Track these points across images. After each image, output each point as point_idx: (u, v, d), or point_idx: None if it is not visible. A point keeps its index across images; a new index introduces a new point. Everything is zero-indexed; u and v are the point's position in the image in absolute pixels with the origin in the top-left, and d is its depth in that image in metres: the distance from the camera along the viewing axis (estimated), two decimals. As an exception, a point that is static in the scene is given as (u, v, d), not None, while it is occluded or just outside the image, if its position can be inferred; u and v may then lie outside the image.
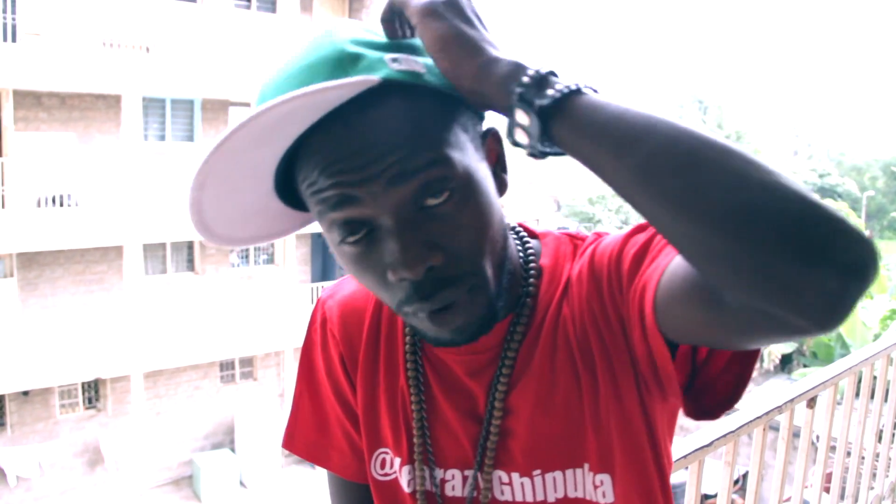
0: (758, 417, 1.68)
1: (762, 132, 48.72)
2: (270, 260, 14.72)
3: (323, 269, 15.83)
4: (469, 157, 0.72)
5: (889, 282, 14.56)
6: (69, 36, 11.21)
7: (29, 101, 11.69)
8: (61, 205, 11.28)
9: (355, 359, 0.94)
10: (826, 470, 2.23)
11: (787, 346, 14.46)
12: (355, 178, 0.69)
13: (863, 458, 2.40)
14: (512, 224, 0.89)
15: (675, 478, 1.06)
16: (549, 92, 0.64)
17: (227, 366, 14.15)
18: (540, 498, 0.84)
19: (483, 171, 0.74)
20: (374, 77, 0.68)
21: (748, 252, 0.55)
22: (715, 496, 1.82)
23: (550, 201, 35.48)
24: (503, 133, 0.78)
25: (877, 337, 12.56)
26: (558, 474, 0.83)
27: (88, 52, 11.22)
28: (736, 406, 0.84)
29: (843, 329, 13.11)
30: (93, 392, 12.87)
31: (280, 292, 13.65)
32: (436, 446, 0.89)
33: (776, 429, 1.94)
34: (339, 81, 0.66)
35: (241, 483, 13.19)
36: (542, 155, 0.67)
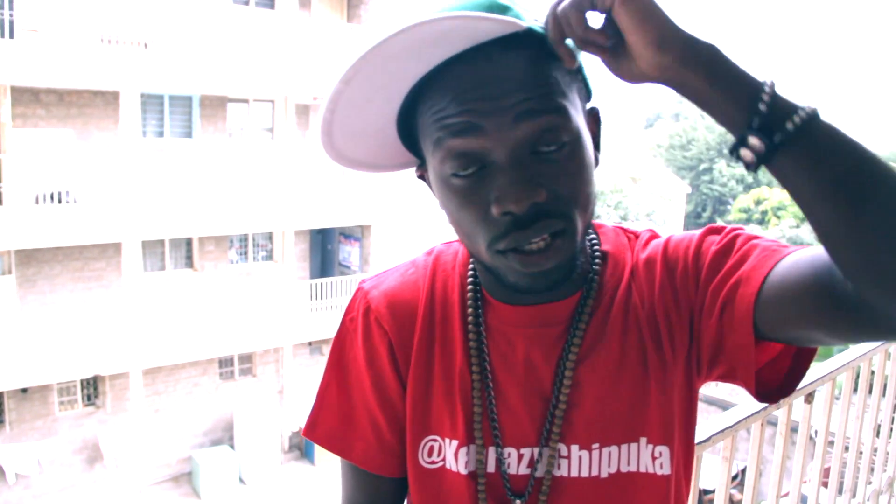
0: (756, 413, 1.68)
1: (761, 128, 48.61)
2: (269, 256, 14.71)
3: (322, 265, 15.83)
4: (581, 118, 0.80)
5: (888, 277, 14.57)
6: (67, 32, 11.18)
7: (27, 98, 11.67)
8: (59, 201, 11.26)
9: (408, 348, 0.95)
10: (824, 465, 2.23)
11: (785, 342, 14.48)
12: (486, 107, 0.75)
13: (861, 452, 2.41)
14: None
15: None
16: (789, 126, 0.68)
17: (226, 362, 14.15)
18: (595, 473, 0.88)
19: (587, 137, 0.81)
20: (523, 23, 0.75)
21: None
22: (713, 492, 1.82)
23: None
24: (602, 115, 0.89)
25: (875, 332, 12.57)
26: (614, 449, 0.88)
27: (86, 48, 11.19)
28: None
29: (842, 324, 13.15)
30: (92, 389, 12.87)
31: (279, 289, 13.65)
32: (499, 424, 0.91)
33: (774, 424, 1.94)
34: (496, 16, 0.72)
35: (241, 479, 13.20)
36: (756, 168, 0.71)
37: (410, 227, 15.54)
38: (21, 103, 11.59)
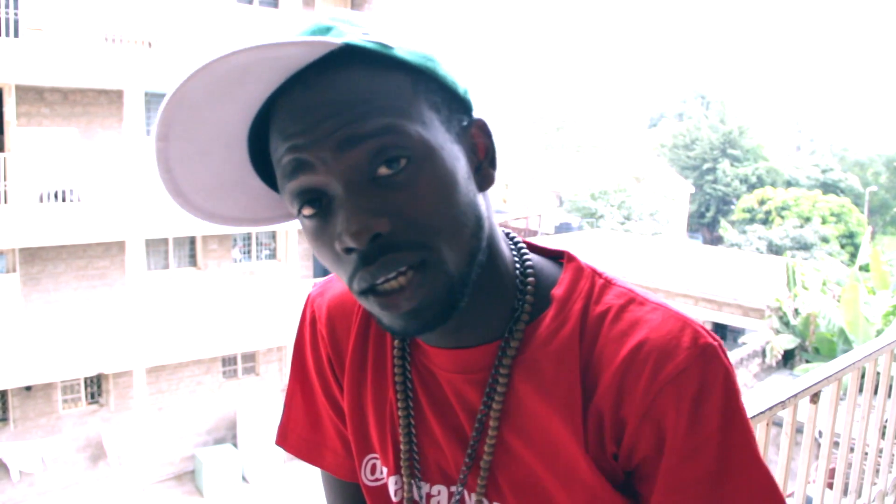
0: (761, 412, 1.67)
1: (765, 127, 48.64)
2: (272, 255, 14.72)
3: (325, 264, 15.83)
4: (434, 133, 0.70)
5: (892, 278, 14.53)
6: (71, 31, 11.20)
7: (31, 97, 11.69)
8: (63, 200, 11.28)
9: (342, 361, 0.91)
10: (829, 465, 2.23)
11: (789, 342, 14.44)
12: (307, 140, 0.67)
13: (866, 453, 2.40)
14: (513, 236, 0.85)
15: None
16: None
17: (229, 361, 14.16)
18: None
19: (451, 152, 0.71)
20: (336, 40, 0.67)
21: None
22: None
23: (553, 196, 35.49)
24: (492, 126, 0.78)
25: (879, 333, 12.54)
26: None
27: (91, 47, 11.21)
28: None
29: (846, 325, 13.10)
30: (95, 387, 12.89)
31: (282, 287, 13.66)
32: (423, 460, 0.86)
33: (779, 424, 1.93)
34: (296, 38, 0.65)
35: (244, 478, 13.21)
36: None
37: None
38: (25, 102, 11.61)
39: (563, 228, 30.11)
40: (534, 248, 0.87)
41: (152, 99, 12.81)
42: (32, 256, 11.91)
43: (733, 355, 13.43)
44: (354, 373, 0.90)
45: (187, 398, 13.56)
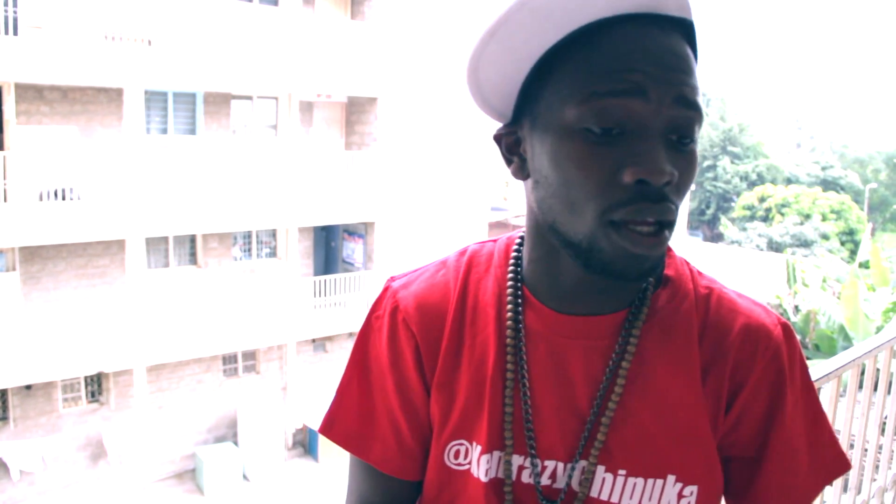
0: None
1: (765, 124, 48.62)
2: (273, 253, 14.72)
3: (325, 262, 15.84)
4: None
5: (892, 274, 14.53)
6: (71, 29, 11.19)
7: (31, 95, 11.68)
8: (63, 198, 11.27)
9: (435, 352, 0.92)
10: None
11: (789, 339, 14.43)
12: (657, 74, 0.74)
13: (866, 450, 2.40)
14: None
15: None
16: None
17: (229, 359, 14.17)
18: (615, 500, 0.86)
19: None
20: (692, 19, 0.79)
21: None
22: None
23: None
24: None
25: (879, 329, 12.53)
26: (640, 481, 0.85)
27: (90, 45, 11.19)
28: None
29: (846, 321, 13.10)
30: (95, 386, 12.90)
31: (282, 286, 13.66)
32: (527, 432, 0.88)
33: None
34: None
35: (244, 476, 13.23)
36: None
37: (414, 224, 15.53)
38: (25, 100, 11.60)
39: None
40: None
41: (152, 97, 12.81)
42: (32, 255, 11.91)
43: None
44: (449, 358, 0.91)
45: (188, 396, 13.57)
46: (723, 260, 20.03)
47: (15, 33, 10.88)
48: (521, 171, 0.84)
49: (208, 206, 12.16)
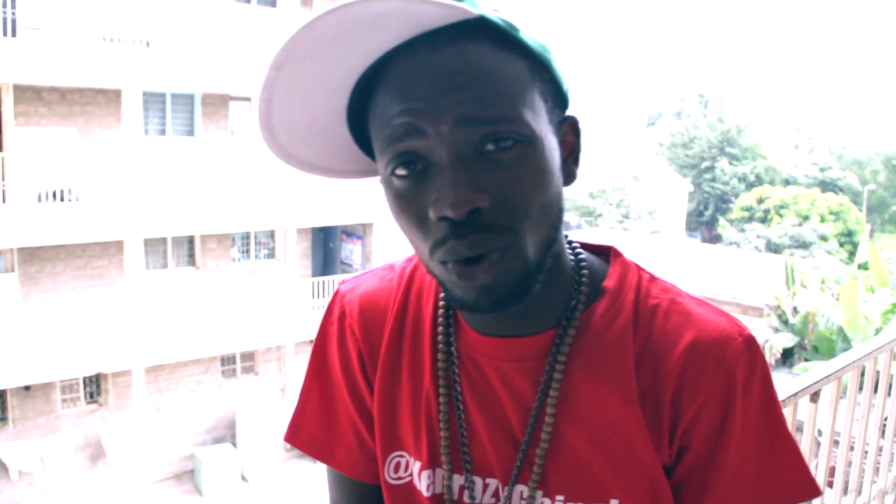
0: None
1: (763, 126, 48.66)
2: (271, 254, 14.72)
3: (324, 263, 15.84)
4: (540, 122, 0.72)
5: (890, 276, 14.54)
6: (69, 30, 11.19)
7: (29, 96, 11.67)
8: (62, 200, 11.27)
9: (375, 357, 0.91)
10: (829, 464, 2.22)
11: (788, 341, 14.46)
12: (428, 106, 0.68)
13: (866, 452, 2.40)
14: (566, 235, 0.87)
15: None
16: None
17: (228, 360, 14.16)
18: None
19: (550, 143, 0.74)
20: (473, 10, 0.67)
21: None
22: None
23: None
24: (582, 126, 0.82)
25: (878, 331, 12.54)
26: None
27: (89, 46, 11.19)
28: None
29: (845, 323, 13.11)
30: (94, 387, 12.88)
31: (281, 287, 13.65)
32: (464, 451, 0.86)
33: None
34: (439, 0, 0.65)
35: (243, 477, 13.21)
36: None
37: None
38: (23, 101, 11.59)
39: (561, 227, 30.08)
40: (582, 245, 0.90)
41: (150, 98, 12.80)
42: (31, 256, 11.90)
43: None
44: (388, 367, 0.90)
45: (186, 397, 13.56)
46: (721, 261, 20.04)
47: (13, 35, 10.87)
48: None
49: (206, 208, 12.16)
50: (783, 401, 1.73)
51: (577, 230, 27.83)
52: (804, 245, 29.68)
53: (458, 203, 0.67)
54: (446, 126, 0.68)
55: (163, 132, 13.14)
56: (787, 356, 15.89)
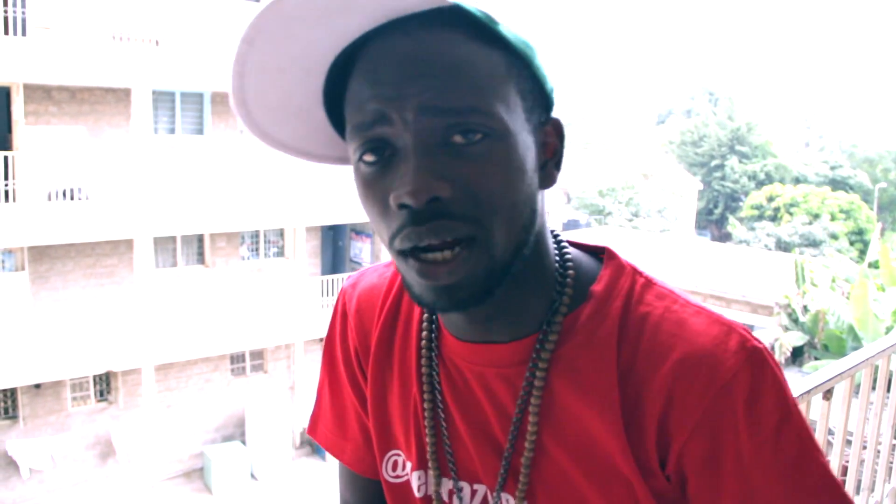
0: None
1: (773, 124, 48.46)
2: (280, 253, 14.74)
3: (333, 262, 15.85)
4: (514, 118, 0.69)
5: (902, 274, 14.43)
6: (79, 30, 11.22)
7: (39, 95, 11.72)
8: (72, 198, 11.31)
9: (368, 353, 0.90)
10: (841, 463, 2.20)
11: (798, 339, 14.38)
12: (395, 92, 0.66)
13: (878, 451, 2.38)
14: (554, 231, 0.83)
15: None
16: None
17: (237, 358, 14.19)
18: None
19: (525, 141, 0.70)
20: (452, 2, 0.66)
21: None
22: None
23: (560, 193, 35.42)
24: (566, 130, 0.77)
25: (889, 329, 12.47)
26: None
27: (98, 45, 11.23)
28: None
29: (855, 322, 13.03)
30: (104, 385, 12.93)
31: (290, 285, 13.67)
32: (449, 455, 0.84)
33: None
34: None
35: (252, 475, 13.24)
36: None
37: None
38: (33, 101, 11.64)
39: (570, 225, 30.08)
40: (574, 244, 0.85)
41: (160, 97, 12.83)
42: (41, 255, 11.95)
43: (742, 352, 13.35)
44: (379, 365, 0.88)
45: (196, 396, 13.59)
46: (731, 260, 19.96)
47: (23, 34, 10.91)
48: None
49: (216, 206, 12.18)
50: (796, 398, 1.72)
51: (587, 228, 27.76)
52: (814, 243, 29.53)
53: (417, 190, 0.65)
54: (410, 113, 0.66)
55: (172, 131, 13.17)
56: (797, 355, 15.79)
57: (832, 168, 41.62)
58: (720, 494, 0.72)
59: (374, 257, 15.00)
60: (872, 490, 2.38)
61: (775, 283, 16.54)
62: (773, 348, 13.93)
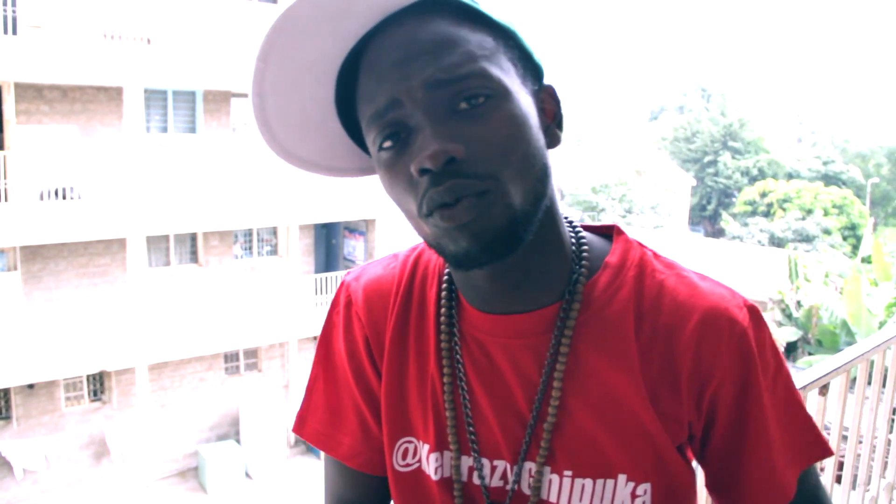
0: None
1: (766, 119, 48.57)
2: (274, 251, 14.72)
3: (326, 260, 15.83)
4: (512, 80, 0.76)
5: (894, 269, 14.51)
6: (70, 28, 11.17)
7: (30, 94, 11.67)
8: (64, 198, 11.26)
9: (381, 343, 0.92)
10: (837, 458, 2.20)
11: (792, 335, 14.43)
12: (398, 75, 0.73)
13: (874, 446, 2.38)
14: (565, 214, 0.88)
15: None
16: None
17: (231, 357, 14.16)
18: (563, 502, 0.83)
19: (525, 99, 0.76)
20: None
21: None
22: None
23: (554, 190, 35.42)
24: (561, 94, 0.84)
25: (882, 324, 12.52)
26: (588, 482, 0.82)
27: (89, 44, 11.18)
28: None
29: (849, 317, 13.09)
30: (98, 384, 12.90)
31: (284, 283, 13.65)
32: (470, 432, 0.86)
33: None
34: None
35: (247, 474, 13.23)
36: None
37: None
38: (25, 99, 11.58)
39: (564, 222, 30.04)
40: (584, 227, 0.91)
41: (151, 96, 12.79)
42: (33, 254, 11.90)
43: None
44: (394, 351, 0.91)
45: (190, 395, 13.57)
46: (724, 256, 20.01)
47: (14, 32, 10.86)
48: None
49: (209, 205, 12.15)
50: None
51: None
52: (807, 239, 29.63)
53: (434, 154, 0.70)
54: (418, 92, 0.72)
55: (164, 129, 13.13)
56: (791, 350, 15.86)
57: (825, 163, 41.76)
58: (753, 430, 0.83)
59: (368, 255, 14.99)
60: (868, 485, 2.39)
61: (769, 278, 16.59)
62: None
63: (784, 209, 32.46)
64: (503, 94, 0.73)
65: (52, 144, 11.58)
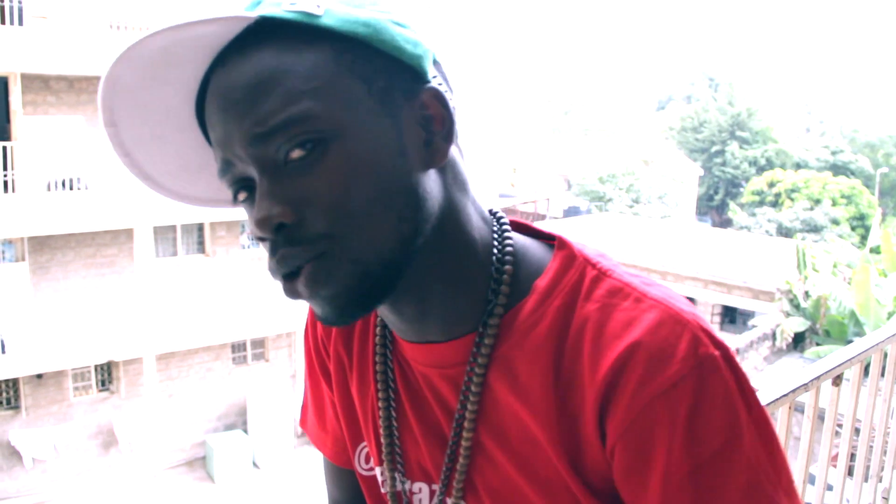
0: (784, 395, 1.63)
1: (774, 109, 48.34)
2: (281, 242, 14.73)
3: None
4: (352, 110, 0.64)
5: (903, 259, 14.42)
6: (76, 19, 11.17)
7: (37, 85, 11.67)
8: (71, 188, 11.29)
9: (328, 350, 0.89)
10: (850, 450, 2.18)
11: (800, 325, 14.38)
12: (222, 136, 0.65)
13: (887, 439, 2.36)
14: (500, 216, 0.78)
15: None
16: None
17: (238, 347, 14.20)
18: None
19: (373, 128, 0.65)
20: (250, 14, 0.64)
21: None
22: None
23: (561, 180, 35.38)
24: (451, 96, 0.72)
25: (891, 314, 12.47)
26: None
27: (96, 34, 11.17)
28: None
29: (857, 307, 13.02)
30: (106, 374, 12.95)
31: (291, 274, 13.66)
32: (404, 455, 0.82)
33: (800, 410, 1.89)
34: (207, 16, 0.62)
35: (254, 464, 13.28)
36: None
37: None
38: (31, 90, 11.59)
39: (571, 212, 30.05)
40: (527, 231, 0.80)
41: (158, 86, 12.79)
42: (41, 245, 11.94)
43: (742, 338, 13.38)
44: (340, 362, 0.88)
45: (197, 385, 13.61)
46: (732, 246, 19.95)
47: (20, 23, 10.86)
48: None
49: (216, 195, 12.16)
50: (806, 384, 1.69)
51: (587, 215, 27.72)
52: (816, 229, 29.50)
53: (260, 221, 0.63)
54: (241, 151, 0.64)
55: (171, 120, 13.13)
56: (799, 341, 15.79)
57: (833, 153, 41.51)
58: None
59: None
60: (881, 479, 2.37)
61: (777, 268, 16.53)
62: (774, 334, 13.93)
63: (792, 199, 32.32)
64: (337, 133, 0.63)
65: (58, 135, 11.59)
